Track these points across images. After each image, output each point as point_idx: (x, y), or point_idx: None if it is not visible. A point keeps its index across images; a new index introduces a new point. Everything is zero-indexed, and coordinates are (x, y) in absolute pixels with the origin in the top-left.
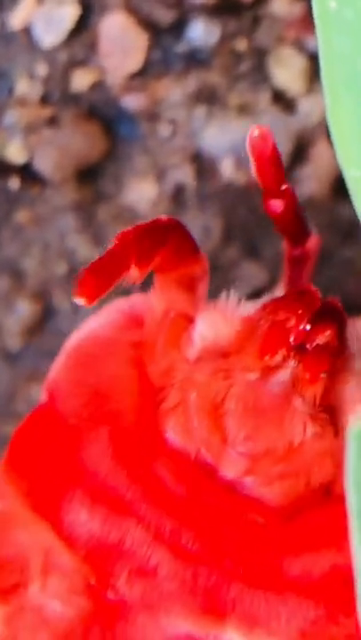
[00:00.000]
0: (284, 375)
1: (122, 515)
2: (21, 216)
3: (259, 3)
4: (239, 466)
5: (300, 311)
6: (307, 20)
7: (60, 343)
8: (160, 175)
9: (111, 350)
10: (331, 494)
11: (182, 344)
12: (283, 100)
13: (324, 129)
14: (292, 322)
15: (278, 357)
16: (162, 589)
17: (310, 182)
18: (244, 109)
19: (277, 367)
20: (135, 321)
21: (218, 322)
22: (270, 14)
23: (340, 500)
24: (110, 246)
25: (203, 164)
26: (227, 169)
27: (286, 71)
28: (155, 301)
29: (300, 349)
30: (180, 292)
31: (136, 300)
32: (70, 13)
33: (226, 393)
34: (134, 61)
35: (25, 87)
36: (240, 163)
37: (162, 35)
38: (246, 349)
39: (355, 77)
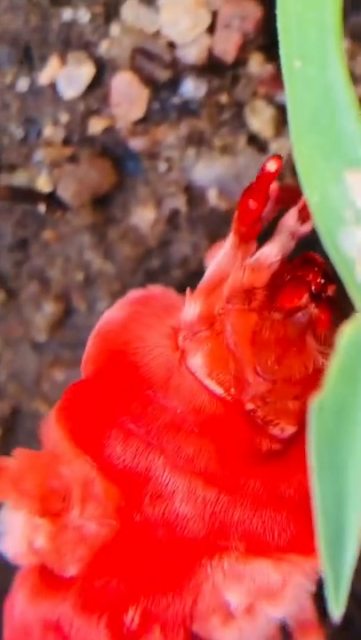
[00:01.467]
0: (302, 317)
1: (148, 447)
2: (47, 234)
3: (237, 64)
4: (262, 387)
5: (315, 269)
6: (275, 78)
7: (78, 336)
8: (159, 202)
9: (128, 321)
10: None
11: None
12: (257, 143)
13: (289, 165)
14: (311, 277)
15: (302, 301)
16: (178, 511)
17: None
18: (226, 150)
19: (298, 310)
20: (148, 300)
21: (249, 273)
22: (247, 74)
23: None
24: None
25: (193, 194)
26: (212, 198)
27: (259, 119)
28: (226, 259)
29: (315, 298)
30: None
31: (136, 293)
32: (87, 72)
33: (260, 326)
34: (138, 111)
35: (50, 131)
36: (223, 193)
37: (160, 90)
38: (273, 295)
39: (316, 121)
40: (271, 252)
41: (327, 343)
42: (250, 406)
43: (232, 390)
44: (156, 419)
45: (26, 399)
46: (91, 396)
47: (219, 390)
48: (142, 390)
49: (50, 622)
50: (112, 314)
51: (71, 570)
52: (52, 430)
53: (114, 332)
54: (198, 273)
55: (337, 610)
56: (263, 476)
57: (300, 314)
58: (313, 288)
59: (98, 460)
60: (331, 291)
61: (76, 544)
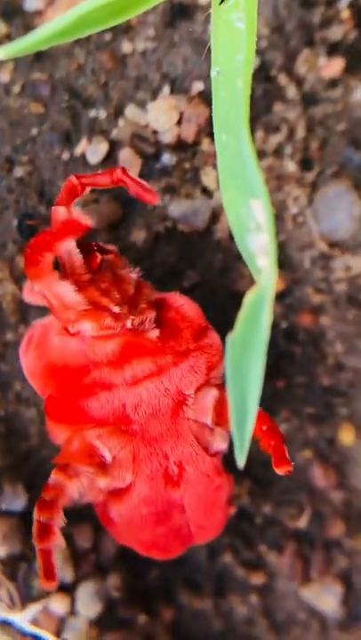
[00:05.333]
0: (106, 265)
1: (112, 390)
2: None
3: (195, 144)
4: (125, 309)
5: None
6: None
7: None
8: (148, 228)
9: (34, 355)
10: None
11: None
12: (207, 192)
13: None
14: (89, 245)
15: (99, 259)
16: (151, 403)
17: (220, 233)
18: (188, 196)
19: (101, 264)
20: (33, 334)
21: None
22: (201, 150)
23: None
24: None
25: (168, 223)
26: (179, 225)
27: (208, 178)
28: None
29: (101, 252)
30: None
31: (24, 339)
32: (104, 148)
33: (97, 286)
34: (135, 172)
35: None
36: (186, 222)
37: (148, 159)
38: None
39: (234, 171)
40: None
41: (125, 267)
42: (130, 321)
43: (117, 325)
44: (101, 374)
45: None
46: (59, 400)
47: (111, 331)
48: (81, 371)
49: None
50: (25, 362)
51: (127, 478)
52: (57, 432)
53: (35, 368)
54: (172, 271)
55: (241, 459)
56: (167, 349)
57: (103, 265)
58: (96, 249)
59: (94, 423)
60: (99, 244)
61: (120, 462)
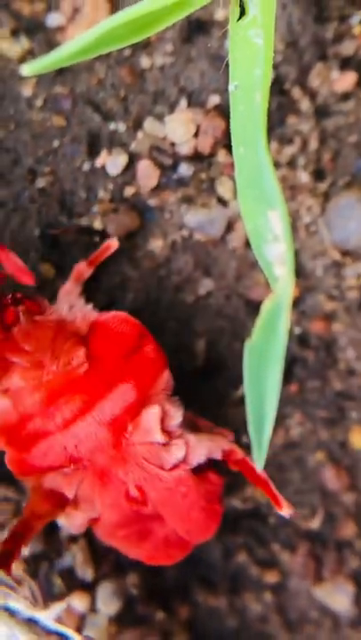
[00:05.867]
0: (19, 317)
1: (53, 435)
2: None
3: (211, 156)
4: (77, 352)
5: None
6: (232, 165)
7: None
8: (165, 236)
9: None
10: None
11: None
12: (222, 202)
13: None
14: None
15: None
16: (91, 441)
17: (235, 241)
18: (205, 205)
19: (13, 318)
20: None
21: None
22: (216, 162)
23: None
24: None
25: (184, 232)
26: (195, 234)
27: (224, 188)
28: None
29: (13, 304)
30: None
31: None
32: (123, 160)
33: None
34: (153, 182)
35: (102, 194)
36: (202, 231)
37: (166, 170)
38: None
39: (251, 182)
40: None
41: (44, 310)
42: (54, 366)
43: (39, 374)
44: (35, 425)
45: None
46: (10, 455)
47: (36, 381)
48: (18, 426)
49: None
50: None
51: (97, 508)
52: (23, 480)
53: None
54: (188, 279)
55: (259, 461)
56: (96, 382)
57: (20, 316)
58: (10, 301)
59: (44, 471)
60: (13, 295)
61: (84, 497)
